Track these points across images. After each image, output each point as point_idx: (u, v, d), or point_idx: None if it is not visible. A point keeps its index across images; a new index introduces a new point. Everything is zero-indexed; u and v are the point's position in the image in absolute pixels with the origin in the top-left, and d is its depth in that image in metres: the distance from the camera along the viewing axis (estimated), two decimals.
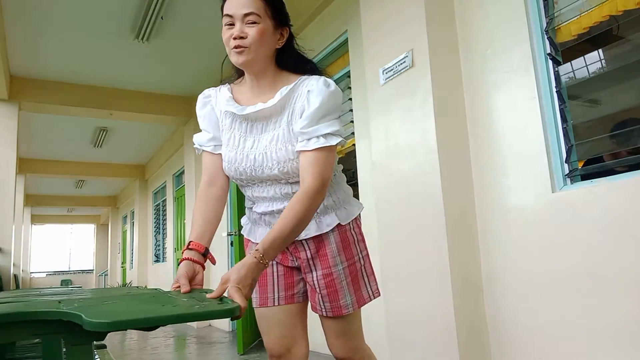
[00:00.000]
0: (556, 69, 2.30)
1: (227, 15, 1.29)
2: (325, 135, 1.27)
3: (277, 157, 1.30)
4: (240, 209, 4.59)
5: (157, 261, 9.92)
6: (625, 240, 1.94)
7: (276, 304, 1.42)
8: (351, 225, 1.43)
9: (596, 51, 2.50)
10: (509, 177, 2.42)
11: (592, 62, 2.44)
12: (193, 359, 4.38)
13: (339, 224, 1.39)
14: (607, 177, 2.09)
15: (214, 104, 1.42)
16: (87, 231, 20.43)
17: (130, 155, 10.07)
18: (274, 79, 1.36)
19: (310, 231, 1.37)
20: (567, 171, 2.23)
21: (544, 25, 2.35)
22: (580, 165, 2.29)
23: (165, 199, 9.21)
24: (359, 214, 1.50)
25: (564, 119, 2.26)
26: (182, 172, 8.00)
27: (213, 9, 4.51)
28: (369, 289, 1.44)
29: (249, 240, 1.51)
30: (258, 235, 1.45)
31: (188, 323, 6.04)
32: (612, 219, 1.98)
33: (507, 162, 2.43)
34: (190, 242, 1.29)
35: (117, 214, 15.11)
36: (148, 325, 0.81)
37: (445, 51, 2.66)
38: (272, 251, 1.16)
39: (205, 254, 1.29)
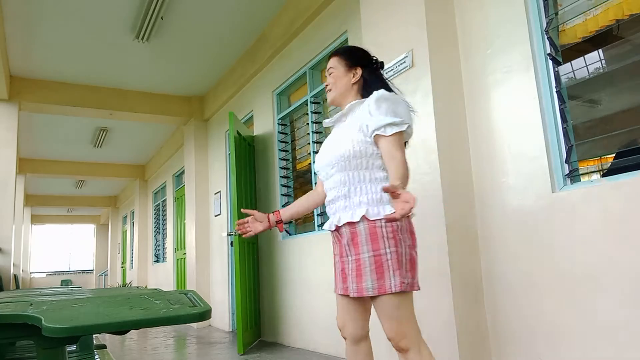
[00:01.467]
0: (556, 69, 2.30)
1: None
2: (385, 127, 1.67)
3: (345, 139, 1.73)
4: (240, 211, 4.60)
5: (157, 261, 9.92)
6: (625, 240, 1.94)
7: (339, 292, 1.78)
8: (383, 223, 1.63)
9: (596, 51, 2.50)
10: (509, 177, 2.42)
11: (592, 62, 2.44)
12: (193, 359, 4.37)
13: (368, 219, 1.64)
14: (607, 177, 2.09)
15: None
16: (87, 231, 20.44)
17: (130, 155, 10.07)
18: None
19: (344, 219, 1.69)
20: (567, 171, 2.23)
21: (544, 25, 2.35)
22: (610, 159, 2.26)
23: (165, 199, 9.21)
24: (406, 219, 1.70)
25: (564, 119, 2.26)
26: (182, 172, 8.00)
27: (213, 9, 4.52)
28: (392, 281, 1.59)
29: (330, 231, 1.81)
30: (333, 222, 1.75)
31: (188, 323, 6.04)
32: (612, 219, 1.98)
33: (507, 162, 2.43)
34: (277, 210, 1.98)
35: (117, 214, 15.11)
36: (109, 330, 0.78)
37: (445, 51, 2.66)
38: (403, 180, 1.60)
39: (279, 221, 1.97)
